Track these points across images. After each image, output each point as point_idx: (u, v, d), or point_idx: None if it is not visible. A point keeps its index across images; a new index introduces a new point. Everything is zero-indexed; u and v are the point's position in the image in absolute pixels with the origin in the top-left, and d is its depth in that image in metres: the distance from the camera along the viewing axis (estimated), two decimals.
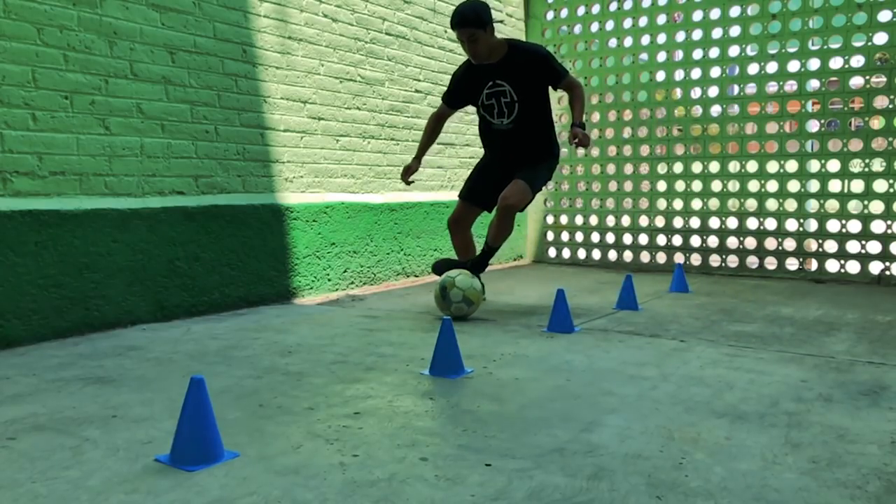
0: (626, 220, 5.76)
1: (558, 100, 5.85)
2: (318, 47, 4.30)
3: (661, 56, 5.53)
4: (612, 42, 5.77)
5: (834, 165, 4.95)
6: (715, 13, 5.28)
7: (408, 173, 3.86)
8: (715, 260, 5.42)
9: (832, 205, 4.97)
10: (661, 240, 5.59)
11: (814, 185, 5.06)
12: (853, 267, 4.91)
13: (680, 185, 5.50)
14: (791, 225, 5.13)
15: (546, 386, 2.33)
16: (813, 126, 5.01)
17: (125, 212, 3.33)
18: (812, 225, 5.13)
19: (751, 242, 5.28)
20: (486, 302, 4.01)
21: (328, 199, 4.36)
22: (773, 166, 5.19)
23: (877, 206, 4.78)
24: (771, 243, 5.21)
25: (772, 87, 5.23)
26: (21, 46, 2.98)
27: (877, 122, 4.86)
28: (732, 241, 5.32)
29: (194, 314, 3.62)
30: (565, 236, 6.05)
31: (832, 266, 4.98)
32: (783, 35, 5.04)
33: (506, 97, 3.68)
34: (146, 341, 3.03)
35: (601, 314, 3.64)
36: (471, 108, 4.02)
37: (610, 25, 5.75)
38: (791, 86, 5.14)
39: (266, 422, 1.98)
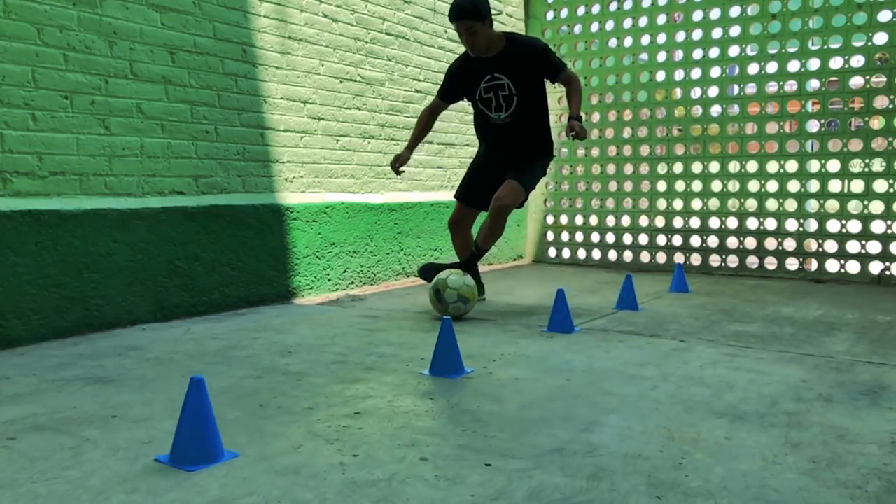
0: (626, 220, 5.76)
1: (558, 100, 5.85)
2: (318, 47, 4.30)
3: (661, 56, 5.53)
4: (612, 42, 5.77)
5: (834, 165, 4.95)
6: (715, 13, 5.28)
7: (398, 162, 3.81)
8: (715, 260, 5.42)
9: (832, 205, 4.97)
10: (661, 240, 5.59)
11: (814, 185, 5.06)
12: (853, 267, 4.91)
13: (680, 185, 5.50)
14: (791, 225, 5.13)
15: (546, 386, 2.33)
16: (813, 126, 5.01)
17: (125, 212, 3.33)
18: (812, 225, 5.13)
19: (751, 242, 5.28)
20: (486, 302, 4.01)
21: (328, 199, 4.36)
22: (773, 166, 5.19)
23: (877, 206, 4.78)
24: (771, 243, 5.21)
25: (772, 87, 5.23)
26: (21, 46, 2.98)
27: (877, 122, 4.86)
28: (732, 241, 5.32)
29: (194, 314, 3.62)
30: (565, 236, 6.05)
31: (832, 266, 4.98)
32: (783, 35, 5.04)
33: (504, 91, 3.68)
34: (146, 341, 3.03)
35: (601, 314, 3.64)
36: (471, 109, 4.02)
37: (610, 25, 5.75)
38: (791, 86, 5.14)
39: (266, 422, 1.98)
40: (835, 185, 4.94)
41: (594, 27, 5.84)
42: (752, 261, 5.28)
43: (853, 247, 4.92)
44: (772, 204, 5.17)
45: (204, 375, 1.71)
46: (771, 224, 5.18)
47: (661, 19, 5.57)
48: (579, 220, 5.97)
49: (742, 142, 5.27)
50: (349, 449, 1.77)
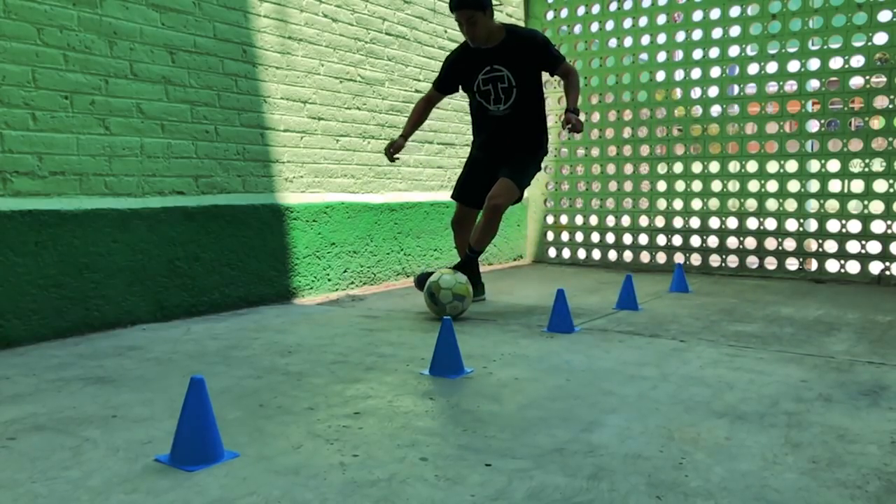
0: (626, 220, 5.76)
1: (558, 100, 5.86)
2: (318, 47, 4.30)
3: (661, 56, 5.53)
4: (612, 42, 5.77)
5: (834, 165, 4.95)
6: (715, 13, 5.28)
7: (393, 149, 3.78)
8: (715, 260, 5.42)
9: (832, 205, 4.97)
10: (661, 240, 5.59)
11: (814, 185, 5.06)
12: (853, 267, 4.91)
13: (680, 185, 5.50)
14: (791, 225, 5.13)
15: (546, 386, 2.33)
16: (813, 126, 5.01)
17: (125, 212, 3.33)
18: (812, 225, 5.13)
19: (751, 242, 5.28)
20: (486, 302, 4.01)
21: (328, 199, 4.36)
22: (773, 166, 5.19)
23: (877, 206, 4.78)
24: (771, 243, 5.21)
25: (772, 87, 5.23)
26: (21, 46, 2.98)
27: (877, 122, 4.86)
28: (732, 241, 5.32)
29: (194, 314, 3.62)
30: (565, 236, 6.05)
31: (832, 266, 4.98)
32: (783, 35, 5.04)
33: (503, 83, 3.68)
34: (146, 341, 3.03)
35: (601, 314, 3.64)
36: (469, 106, 4.01)
37: (610, 25, 5.75)
38: (791, 86, 5.14)
39: (266, 422, 1.98)
40: (835, 185, 4.94)
41: (594, 27, 5.84)
42: (752, 261, 5.28)
43: (853, 247, 4.92)
44: (772, 204, 5.17)
45: (204, 375, 1.71)
46: (771, 224, 5.18)
47: (661, 19, 5.57)
48: (579, 220, 5.97)
49: (742, 142, 5.27)
50: (349, 449, 1.77)
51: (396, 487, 1.54)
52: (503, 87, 3.69)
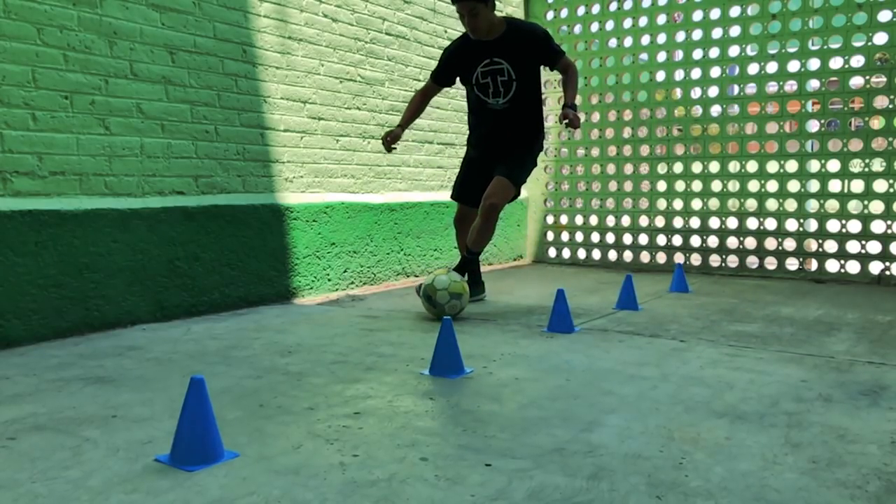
0: (626, 220, 5.76)
1: (558, 100, 5.85)
2: (318, 47, 4.30)
3: (661, 56, 5.53)
4: (612, 42, 5.77)
5: (834, 165, 4.95)
6: (715, 13, 5.28)
7: (390, 138, 3.73)
8: (715, 260, 5.42)
9: (832, 205, 4.97)
10: (661, 240, 5.59)
11: (814, 185, 5.06)
12: (853, 267, 4.91)
13: (680, 185, 5.50)
14: (791, 225, 5.13)
15: (546, 386, 2.33)
16: (813, 126, 5.01)
17: (125, 212, 3.33)
18: (812, 225, 5.13)
19: (751, 242, 5.28)
20: (486, 302, 4.01)
21: (328, 199, 4.36)
22: (773, 166, 5.19)
23: (877, 206, 4.78)
24: (771, 243, 5.21)
25: (772, 87, 5.23)
26: (21, 46, 2.98)
27: (877, 122, 4.85)
28: (732, 241, 5.32)
29: (194, 314, 3.62)
30: (565, 236, 6.05)
31: (832, 266, 4.98)
32: (783, 35, 5.04)
33: (503, 76, 3.67)
34: (146, 341, 3.03)
35: (601, 314, 3.64)
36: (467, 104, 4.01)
37: (610, 25, 5.75)
38: (791, 86, 5.14)
39: (266, 422, 1.98)
40: (835, 185, 4.94)
41: (594, 27, 5.84)
42: (752, 261, 5.28)
43: (853, 247, 4.92)
44: (772, 204, 5.17)
45: (204, 375, 1.71)
46: (771, 224, 5.18)
47: (661, 19, 5.57)
48: (579, 220, 5.97)
49: (742, 142, 5.27)
50: (349, 449, 1.77)
51: (396, 487, 1.54)
52: (503, 81, 3.68)
